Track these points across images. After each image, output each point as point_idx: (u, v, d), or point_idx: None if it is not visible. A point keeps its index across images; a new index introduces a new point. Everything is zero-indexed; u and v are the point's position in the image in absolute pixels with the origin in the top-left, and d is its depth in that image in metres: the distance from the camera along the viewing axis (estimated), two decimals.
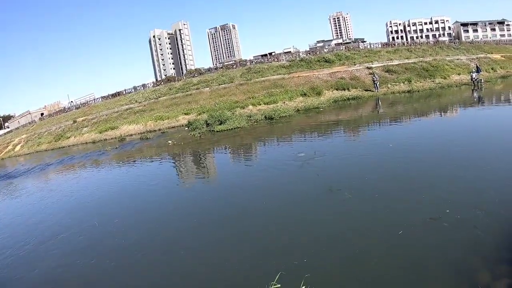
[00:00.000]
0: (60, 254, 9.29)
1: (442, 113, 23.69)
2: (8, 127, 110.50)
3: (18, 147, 67.90)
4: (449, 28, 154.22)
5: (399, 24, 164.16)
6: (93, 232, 10.52)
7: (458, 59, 52.54)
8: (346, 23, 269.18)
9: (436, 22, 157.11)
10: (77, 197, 16.38)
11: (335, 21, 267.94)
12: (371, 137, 18.12)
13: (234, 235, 8.51)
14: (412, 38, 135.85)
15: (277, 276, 5.78)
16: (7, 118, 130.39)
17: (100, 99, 69.57)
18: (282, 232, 8.13)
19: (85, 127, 57.46)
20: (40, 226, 12.22)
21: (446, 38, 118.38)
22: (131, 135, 44.52)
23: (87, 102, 74.38)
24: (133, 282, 7.15)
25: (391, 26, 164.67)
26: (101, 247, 9.19)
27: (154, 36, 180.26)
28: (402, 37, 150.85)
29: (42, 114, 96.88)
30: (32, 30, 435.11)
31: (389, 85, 40.18)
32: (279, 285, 5.58)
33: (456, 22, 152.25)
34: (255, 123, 30.79)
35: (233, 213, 9.96)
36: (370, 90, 39.32)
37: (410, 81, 40.35)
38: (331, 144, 17.67)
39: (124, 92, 65.67)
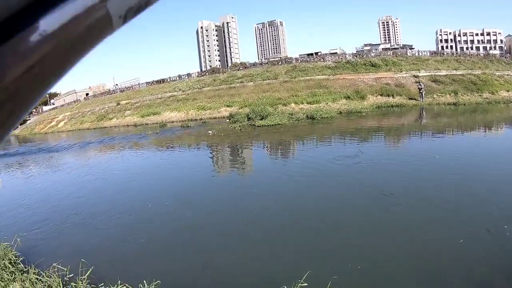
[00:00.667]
0: (115, 231, 9.45)
1: (488, 130, 22.71)
2: (53, 104, 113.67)
3: (61, 124, 70.26)
4: (501, 41, 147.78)
5: (450, 33, 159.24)
6: (146, 212, 10.65)
7: (508, 74, 50.66)
8: (395, 28, 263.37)
9: (488, 34, 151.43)
10: (121, 177, 16.81)
11: (384, 25, 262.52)
12: (415, 146, 17.73)
13: (284, 229, 8.38)
14: (461, 48, 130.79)
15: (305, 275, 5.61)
16: (53, 95, 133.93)
17: (145, 84, 70.89)
18: (331, 234, 7.96)
19: (128, 110, 59.01)
20: (84, 201, 12.52)
21: (497, 52, 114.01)
22: (172, 122, 45.46)
23: (132, 86, 76.14)
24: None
25: (441, 35, 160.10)
26: (154, 227, 9.28)
27: (202, 27, 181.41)
28: (451, 46, 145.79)
29: (87, 94, 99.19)
30: None
31: (434, 96, 39.35)
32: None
33: (509, 35, 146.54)
34: (296, 121, 30.67)
35: (281, 209, 9.91)
36: (414, 99, 38.65)
37: (457, 94, 39.32)
38: (374, 149, 17.34)
39: (168, 80, 66.57)
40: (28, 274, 6.40)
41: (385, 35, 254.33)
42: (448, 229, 7.65)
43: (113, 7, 0.49)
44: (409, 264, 6.44)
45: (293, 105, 40.45)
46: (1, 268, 6.65)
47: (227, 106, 44.89)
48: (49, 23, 0.43)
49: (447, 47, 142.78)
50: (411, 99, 38.88)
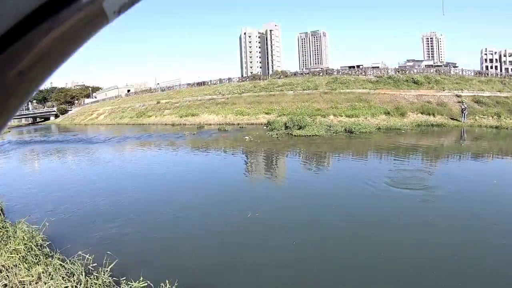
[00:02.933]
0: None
1: None
2: (96, 97, 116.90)
3: (101, 117, 72.45)
4: None
5: (495, 52, 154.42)
6: (176, 212, 10.75)
7: None
8: (439, 45, 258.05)
9: None
10: (160, 173, 17.01)
11: (427, 41, 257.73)
12: (462, 170, 16.77)
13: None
14: (507, 69, 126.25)
15: None
16: (95, 89, 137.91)
17: (186, 86, 72.04)
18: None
19: (167, 109, 60.20)
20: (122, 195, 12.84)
21: None
22: (210, 124, 45.98)
23: (173, 86, 77.51)
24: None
25: (486, 54, 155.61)
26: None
27: (245, 33, 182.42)
28: (496, 67, 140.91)
29: (128, 90, 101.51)
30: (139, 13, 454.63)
31: (476, 117, 38.34)
32: None
33: None
34: (334, 134, 30.24)
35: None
36: (456, 119, 37.80)
37: (500, 116, 38.12)
38: (418, 170, 16.46)
39: (209, 83, 67.39)
40: (52, 259, 6.54)
41: (428, 51, 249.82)
42: None
43: (108, 6, 0.53)
44: None
45: (332, 117, 40.28)
46: (27, 250, 6.78)
47: (266, 113, 45.03)
48: (53, 22, 0.47)
49: (491, 67, 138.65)
50: (452, 119, 38.00)
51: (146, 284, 5.82)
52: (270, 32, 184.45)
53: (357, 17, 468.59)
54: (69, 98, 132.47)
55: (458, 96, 43.15)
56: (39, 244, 7.36)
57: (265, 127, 37.29)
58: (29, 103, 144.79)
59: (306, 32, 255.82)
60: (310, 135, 29.59)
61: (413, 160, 19.52)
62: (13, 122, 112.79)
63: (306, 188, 13.65)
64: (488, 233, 8.56)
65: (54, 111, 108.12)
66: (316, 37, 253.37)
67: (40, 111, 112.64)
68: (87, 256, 6.48)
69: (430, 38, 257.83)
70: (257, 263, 7.49)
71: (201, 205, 11.41)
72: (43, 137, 45.12)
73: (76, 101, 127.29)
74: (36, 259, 6.54)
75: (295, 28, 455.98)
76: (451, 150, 23.93)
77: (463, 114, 37.18)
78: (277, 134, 30.98)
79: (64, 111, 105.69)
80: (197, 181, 15.26)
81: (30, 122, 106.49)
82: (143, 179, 15.93)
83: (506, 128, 33.36)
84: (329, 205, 11.24)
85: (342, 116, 40.14)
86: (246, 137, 29.87)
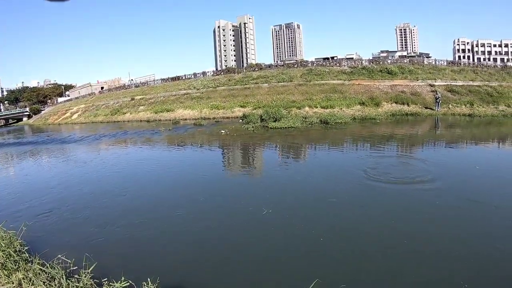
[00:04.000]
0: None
1: (502, 143, 22.11)
2: (69, 96, 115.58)
3: (75, 116, 71.37)
4: None
5: (467, 43, 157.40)
6: (155, 210, 10.61)
7: None
8: (413, 36, 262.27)
9: (506, 45, 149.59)
10: (132, 172, 16.88)
11: (401, 32, 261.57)
12: (437, 157, 16.49)
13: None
14: (479, 59, 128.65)
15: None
16: (68, 87, 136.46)
17: (160, 81, 71.67)
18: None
19: (142, 105, 59.62)
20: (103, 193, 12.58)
21: None
22: (185, 119, 45.87)
23: (147, 82, 76.92)
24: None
25: (458, 44, 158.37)
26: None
27: (219, 27, 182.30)
28: (469, 57, 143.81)
29: (102, 87, 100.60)
30: (103, 5, 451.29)
31: (450, 106, 38.83)
32: None
33: None
34: (310, 125, 30.48)
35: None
36: (430, 108, 38.22)
37: (472, 105, 38.67)
38: (391, 159, 16.70)
39: (183, 77, 67.11)
40: (32, 264, 6.44)
41: (402, 42, 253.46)
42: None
43: None
44: None
45: (307, 108, 40.38)
46: (5, 256, 6.66)
47: (241, 106, 44.99)
48: None
49: (464, 57, 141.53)
50: (426, 108, 38.45)
51: (128, 284, 5.77)
52: (244, 25, 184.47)
53: (331, 9, 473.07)
54: (41, 97, 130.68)
55: (431, 86, 43.82)
56: (17, 250, 7.25)
57: (240, 121, 37.34)
58: (1, 104, 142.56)
59: (280, 25, 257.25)
60: (285, 127, 29.73)
61: (390, 148, 19.80)
62: None
63: (284, 180, 13.56)
64: (493, 217, 8.81)
65: (26, 111, 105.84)
66: (290, 29, 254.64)
67: (12, 112, 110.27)
68: (66, 259, 6.44)
69: (404, 30, 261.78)
70: (239, 259, 7.46)
71: (179, 202, 11.29)
72: (16, 139, 44.28)
73: (49, 101, 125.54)
74: (15, 265, 6.47)
75: (269, 20, 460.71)
76: (426, 138, 24.40)
77: (437, 103, 37.70)
78: (253, 127, 31.00)
79: (37, 111, 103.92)
80: (174, 178, 15.11)
81: (2, 124, 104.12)
82: (118, 178, 15.70)
83: (479, 116, 34.01)
84: (310, 197, 11.21)
85: (317, 107, 40.35)
86: (222, 131, 29.85)
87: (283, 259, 7.19)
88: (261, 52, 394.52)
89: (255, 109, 41.76)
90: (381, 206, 9.88)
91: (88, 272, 6.02)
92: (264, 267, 6.95)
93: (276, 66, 63.24)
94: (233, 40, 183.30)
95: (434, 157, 16.37)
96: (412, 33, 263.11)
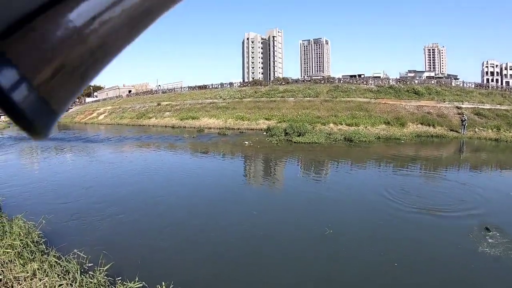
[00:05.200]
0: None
1: None
2: (97, 96, 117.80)
3: (101, 116, 72.77)
4: None
5: (496, 65, 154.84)
6: (175, 215, 10.82)
7: None
8: (441, 56, 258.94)
9: None
10: (163, 174, 17.00)
11: (429, 52, 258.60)
12: (474, 181, 15.87)
13: None
14: (507, 83, 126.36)
15: None
16: (97, 88, 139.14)
17: (187, 88, 72.38)
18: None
19: (168, 111, 60.40)
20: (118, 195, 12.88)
21: None
22: (210, 128, 46.04)
23: (174, 88, 77.84)
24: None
25: (487, 67, 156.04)
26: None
27: (248, 39, 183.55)
28: (497, 80, 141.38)
29: (130, 91, 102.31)
30: None
31: (476, 129, 38.34)
32: None
33: None
34: (333, 142, 30.29)
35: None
36: (455, 131, 37.78)
37: (499, 129, 38.10)
38: (419, 181, 16.30)
39: (210, 86, 67.81)
40: (48, 256, 6.50)
41: (430, 62, 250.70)
42: None
43: None
44: None
45: (332, 125, 40.29)
46: (23, 246, 6.77)
47: (266, 119, 45.10)
48: None
49: (492, 80, 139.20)
50: (452, 130, 37.99)
51: (141, 284, 5.79)
52: (273, 38, 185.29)
53: (360, 27, 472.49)
54: None
55: (458, 108, 43.23)
56: (35, 241, 7.34)
57: (265, 133, 37.32)
58: None
59: (309, 40, 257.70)
60: (309, 142, 29.58)
61: (414, 169, 19.42)
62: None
63: (305, 196, 13.49)
64: None
65: None
66: (319, 44, 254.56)
67: None
68: (82, 255, 6.49)
69: (432, 50, 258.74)
70: (254, 268, 7.47)
71: (202, 209, 11.38)
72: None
73: (77, 100, 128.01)
74: (31, 255, 6.51)
75: (297, 35, 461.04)
76: (452, 161, 23.89)
77: (463, 126, 37.23)
78: (276, 140, 30.96)
79: None
80: (197, 184, 15.19)
81: None
82: (142, 180, 15.87)
83: (506, 141, 33.40)
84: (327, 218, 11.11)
85: (342, 124, 40.19)
86: (246, 142, 29.92)
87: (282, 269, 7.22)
88: (288, 66, 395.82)
89: (279, 122, 41.73)
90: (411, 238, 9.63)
91: (103, 270, 6.10)
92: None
93: (303, 81, 63.16)
94: (261, 53, 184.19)
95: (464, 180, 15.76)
96: (441, 54, 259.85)
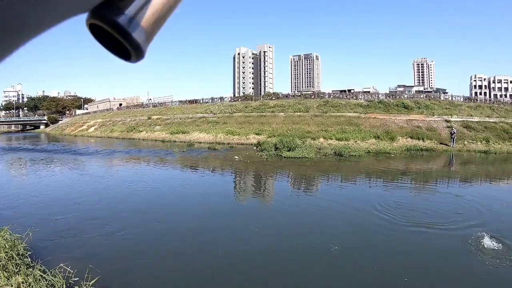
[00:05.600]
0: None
1: None
2: (87, 109, 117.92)
3: (92, 129, 73.01)
4: None
5: (484, 79, 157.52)
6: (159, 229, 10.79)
7: None
8: (430, 71, 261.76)
9: None
10: (144, 189, 16.98)
11: (418, 67, 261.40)
12: (465, 192, 16.08)
13: None
14: (495, 95, 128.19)
15: None
16: (87, 100, 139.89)
17: (178, 103, 72.58)
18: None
19: (158, 125, 60.54)
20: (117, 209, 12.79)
21: None
22: (200, 142, 46.09)
23: (165, 102, 78.14)
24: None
25: (475, 80, 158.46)
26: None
27: (239, 54, 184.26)
28: (485, 93, 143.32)
29: (120, 104, 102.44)
30: None
31: (465, 142, 38.63)
32: None
33: None
34: (324, 156, 30.33)
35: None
36: (445, 144, 38.08)
37: (488, 141, 38.39)
38: (409, 195, 16.23)
39: (201, 101, 68.10)
40: (33, 270, 6.44)
41: (419, 77, 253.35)
42: None
43: None
44: None
45: (322, 139, 40.41)
46: (7, 258, 6.69)
47: (256, 133, 45.19)
48: None
49: (481, 93, 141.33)
50: (441, 143, 38.31)
51: None
52: (264, 54, 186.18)
53: (350, 42, 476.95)
54: (60, 108, 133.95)
55: (447, 121, 43.66)
56: (20, 253, 7.28)
57: (255, 148, 37.35)
58: (20, 110, 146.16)
59: (299, 55, 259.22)
60: (299, 157, 29.59)
61: (405, 182, 19.51)
62: (2, 128, 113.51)
63: (294, 213, 13.52)
64: None
65: (44, 119, 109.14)
66: (309, 60, 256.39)
67: (31, 119, 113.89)
68: (69, 269, 6.43)
69: (421, 64, 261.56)
70: (245, 277, 7.46)
71: (188, 221, 11.46)
72: (32, 145, 45.40)
73: (68, 112, 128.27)
74: (16, 268, 6.47)
75: (288, 50, 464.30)
76: (442, 174, 24.09)
77: (452, 139, 37.56)
78: (266, 155, 31.01)
79: (54, 121, 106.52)
80: (185, 199, 15.25)
81: (19, 129, 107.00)
82: (129, 194, 15.89)
83: (495, 153, 33.78)
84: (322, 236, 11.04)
85: (332, 139, 40.34)
86: (236, 157, 29.86)
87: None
88: (279, 81, 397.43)
89: (270, 137, 41.81)
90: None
91: (89, 285, 6.06)
92: None
93: (293, 96, 63.58)
94: (252, 68, 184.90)
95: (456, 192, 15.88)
96: (430, 68, 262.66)
